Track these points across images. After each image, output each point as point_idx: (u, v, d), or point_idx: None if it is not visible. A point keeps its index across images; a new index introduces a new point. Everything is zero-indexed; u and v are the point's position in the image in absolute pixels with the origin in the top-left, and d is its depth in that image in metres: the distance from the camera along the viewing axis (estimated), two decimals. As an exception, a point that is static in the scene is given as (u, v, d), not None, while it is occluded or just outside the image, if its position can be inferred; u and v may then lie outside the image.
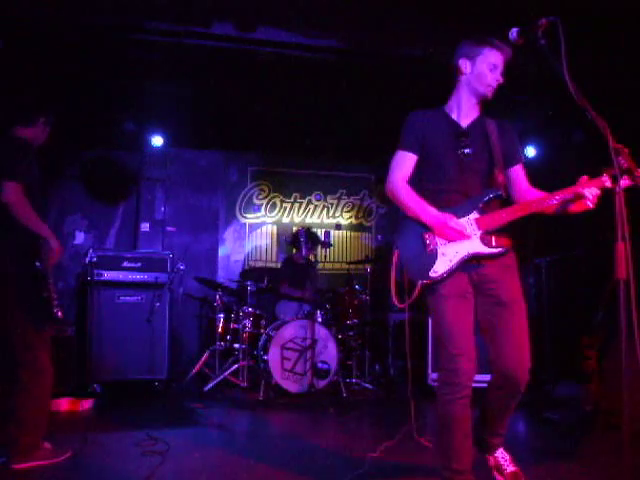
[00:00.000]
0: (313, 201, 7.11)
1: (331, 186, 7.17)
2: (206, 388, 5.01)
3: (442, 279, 2.39)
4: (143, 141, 6.33)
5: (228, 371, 5.17)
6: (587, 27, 3.98)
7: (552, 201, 2.36)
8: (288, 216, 7.01)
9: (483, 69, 2.47)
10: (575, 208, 2.35)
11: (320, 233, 6.30)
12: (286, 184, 7.03)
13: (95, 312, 4.99)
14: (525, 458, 3.46)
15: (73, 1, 4.03)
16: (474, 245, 2.39)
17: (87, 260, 5.13)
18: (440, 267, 2.39)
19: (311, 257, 5.78)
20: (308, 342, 4.90)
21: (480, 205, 2.43)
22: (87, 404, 4.38)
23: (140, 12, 4.10)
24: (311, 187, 7.10)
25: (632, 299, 1.88)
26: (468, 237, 2.38)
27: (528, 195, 2.53)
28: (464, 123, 2.55)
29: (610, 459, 3.05)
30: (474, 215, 2.42)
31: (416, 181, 2.55)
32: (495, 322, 2.43)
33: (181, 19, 4.14)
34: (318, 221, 7.08)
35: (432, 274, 2.38)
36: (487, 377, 2.54)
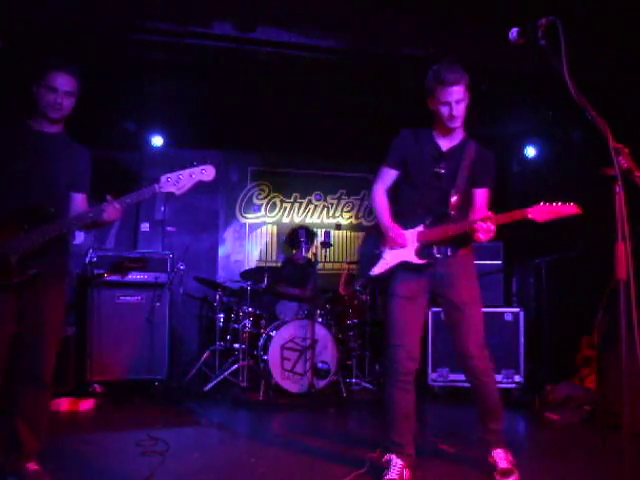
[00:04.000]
0: (313, 201, 7.10)
1: (331, 186, 7.16)
2: (206, 388, 5.02)
3: (384, 278, 2.84)
4: (143, 141, 6.32)
5: (228, 371, 5.17)
6: (587, 27, 3.98)
7: (459, 229, 2.73)
8: (288, 216, 7.01)
9: (439, 107, 2.76)
10: (475, 237, 2.68)
11: (320, 233, 6.29)
12: (286, 184, 7.02)
13: (95, 312, 4.98)
14: (525, 458, 3.47)
15: (73, 1, 4.03)
16: (408, 254, 2.82)
17: (87, 260, 5.14)
18: (377, 269, 2.86)
19: (311, 256, 5.78)
20: (308, 342, 4.90)
21: (428, 221, 2.81)
22: (87, 404, 4.37)
23: (140, 12, 4.10)
24: (311, 187, 7.09)
25: (632, 299, 1.88)
26: (403, 246, 2.80)
27: (479, 215, 2.78)
28: (445, 146, 2.87)
29: (610, 459, 3.05)
30: (419, 228, 2.82)
31: (397, 193, 2.95)
32: (452, 321, 2.86)
33: (181, 19, 4.14)
34: (318, 221, 7.07)
35: (370, 273, 2.87)
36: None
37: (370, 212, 7.26)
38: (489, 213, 2.68)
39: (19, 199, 2.58)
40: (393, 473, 2.73)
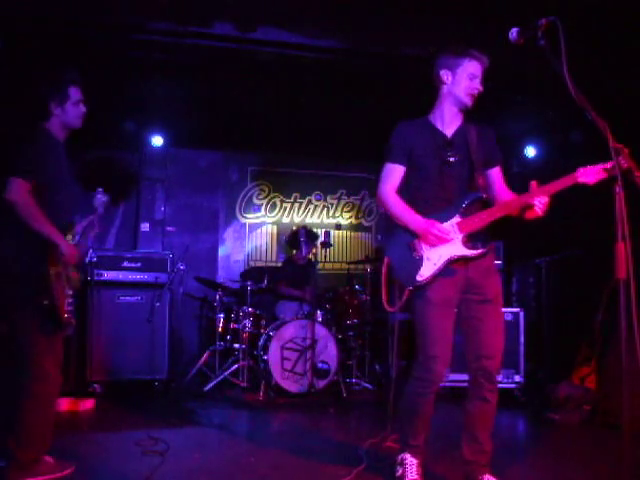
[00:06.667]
0: (313, 201, 7.11)
1: (331, 186, 7.17)
2: (206, 388, 5.01)
3: (428, 282, 2.56)
4: (143, 141, 6.33)
5: (228, 371, 5.17)
6: (587, 27, 3.98)
7: (507, 210, 2.55)
8: (288, 216, 7.01)
9: (463, 79, 2.61)
10: (529, 215, 2.51)
11: (320, 233, 6.29)
12: (286, 184, 7.02)
13: (95, 312, 4.98)
14: (525, 458, 3.47)
15: (73, 1, 4.03)
16: (456, 248, 2.56)
17: (87, 260, 5.13)
18: (426, 271, 2.56)
19: (311, 256, 5.78)
20: (308, 342, 4.90)
21: (461, 209, 2.59)
22: (87, 404, 4.38)
23: (141, 12, 4.10)
24: (311, 187, 7.10)
25: (632, 299, 1.88)
26: (449, 241, 2.55)
27: (502, 195, 2.68)
28: (448, 132, 2.70)
29: (610, 459, 3.05)
30: (456, 219, 2.59)
31: (405, 189, 2.73)
32: (479, 317, 2.60)
33: (181, 19, 4.14)
34: (318, 221, 7.08)
35: (419, 278, 2.56)
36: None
37: (370, 212, 7.26)
38: (534, 184, 2.47)
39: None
40: (413, 473, 2.67)
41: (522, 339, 5.09)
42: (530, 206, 2.45)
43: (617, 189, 2.00)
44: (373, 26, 4.39)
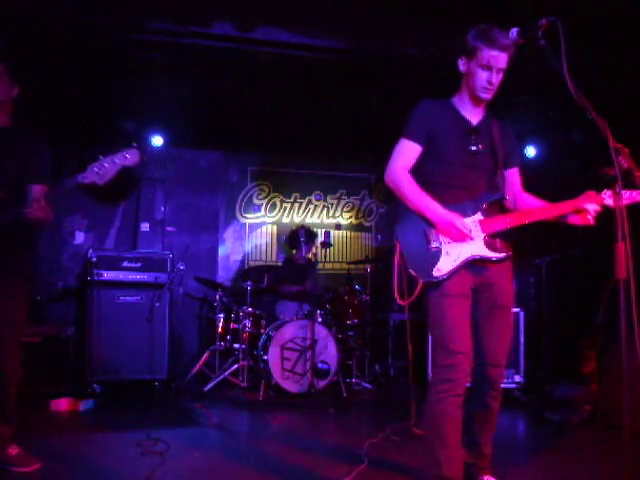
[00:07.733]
0: (313, 201, 7.10)
1: (331, 186, 7.16)
2: (206, 388, 5.02)
3: (444, 278, 2.35)
4: (143, 141, 6.33)
5: (228, 371, 5.17)
6: (587, 27, 3.98)
7: (555, 213, 2.44)
8: (288, 216, 7.01)
9: (477, 70, 2.37)
10: (575, 220, 2.42)
11: (320, 233, 6.29)
12: (286, 184, 7.02)
13: (95, 312, 4.98)
14: (525, 458, 3.47)
15: (73, 1, 4.03)
16: (478, 248, 2.38)
17: (87, 260, 5.13)
18: (444, 266, 2.34)
19: (311, 257, 5.78)
20: (308, 342, 4.90)
21: (484, 207, 2.42)
22: (87, 404, 4.38)
23: (140, 12, 4.10)
24: (311, 187, 7.09)
25: (632, 299, 1.87)
26: (472, 239, 2.37)
27: (519, 198, 2.59)
28: (473, 120, 2.51)
29: (610, 459, 3.05)
30: (478, 217, 2.41)
31: (419, 173, 2.47)
32: (487, 323, 2.48)
33: (181, 19, 4.14)
34: (318, 221, 7.07)
35: (435, 273, 2.34)
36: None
37: (370, 212, 7.26)
38: (592, 192, 2.35)
39: None
40: None
41: (522, 339, 5.09)
42: (580, 211, 2.36)
43: (617, 189, 1.99)
44: (373, 26, 4.39)
